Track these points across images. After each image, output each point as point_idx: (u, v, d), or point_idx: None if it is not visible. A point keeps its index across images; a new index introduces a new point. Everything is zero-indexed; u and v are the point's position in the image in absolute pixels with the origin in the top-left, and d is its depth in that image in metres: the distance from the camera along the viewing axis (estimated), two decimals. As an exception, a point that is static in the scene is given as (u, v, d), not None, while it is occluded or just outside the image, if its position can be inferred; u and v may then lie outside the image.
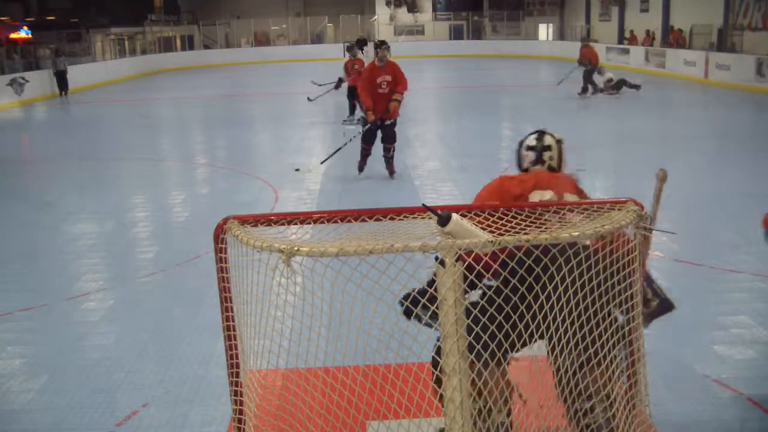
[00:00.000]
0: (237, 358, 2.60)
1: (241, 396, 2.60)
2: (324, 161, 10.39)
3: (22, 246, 7.29)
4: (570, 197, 3.23)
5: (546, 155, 3.42)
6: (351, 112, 14.68)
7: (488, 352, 2.50)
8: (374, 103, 9.18)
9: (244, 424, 2.60)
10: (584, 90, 18.68)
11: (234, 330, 2.58)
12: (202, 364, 4.51)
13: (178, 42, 40.24)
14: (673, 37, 26.63)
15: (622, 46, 29.45)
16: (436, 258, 2.12)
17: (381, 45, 9.43)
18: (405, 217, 2.44)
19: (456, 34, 41.83)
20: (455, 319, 2.10)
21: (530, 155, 3.42)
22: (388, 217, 2.45)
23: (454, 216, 2.12)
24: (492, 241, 2.07)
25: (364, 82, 9.33)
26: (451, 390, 2.12)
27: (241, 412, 2.61)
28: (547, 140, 3.48)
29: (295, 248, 2.11)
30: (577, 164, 10.43)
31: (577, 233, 2.15)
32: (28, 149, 15.19)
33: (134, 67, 31.87)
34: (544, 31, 40.71)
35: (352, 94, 14.30)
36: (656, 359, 4.30)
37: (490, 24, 41.71)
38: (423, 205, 2.26)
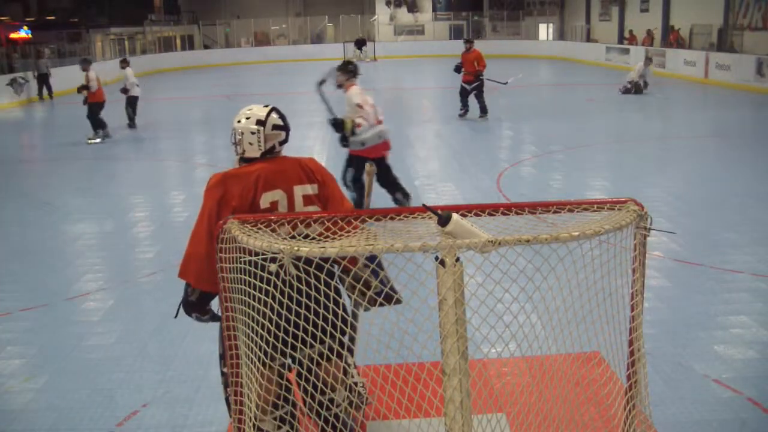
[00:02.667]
0: (237, 358, 2.60)
1: (241, 396, 2.60)
2: None
3: (22, 246, 7.29)
4: (301, 189, 3.03)
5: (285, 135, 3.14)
6: (94, 127, 13.84)
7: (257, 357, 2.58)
8: None
9: (244, 424, 2.60)
10: (485, 111, 14.68)
11: (234, 330, 2.58)
12: (202, 364, 4.51)
13: (178, 42, 40.24)
14: (672, 37, 26.64)
15: (622, 46, 29.45)
16: (436, 258, 2.12)
17: None
18: (405, 217, 2.44)
19: (456, 34, 41.79)
20: (455, 319, 2.10)
21: (282, 134, 3.10)
22: (388, 217, 2.45)
23: (454, 216, 2.11)
24: (492, 241, 2.07)
25: None
26: (451, 390, 2.11)
27: (240, 412, 2.61)
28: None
29: (295, 248, 2.11)
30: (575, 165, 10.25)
31: (577, 233, 2.14)
32: (28, 149, 15.19)
33: (134, 67, 31.72)
34: (544, 31, 40.73)
35: (92, 111, 13.78)
36: (656, 359, 4.31)
37: (490, 24, 41.71)
38: (423, 205, 2.26)
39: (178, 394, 4.18)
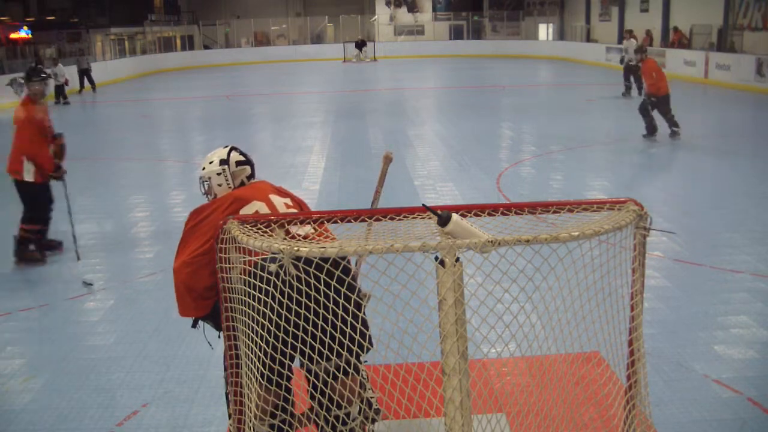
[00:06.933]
0: (237, 358, 2.59)
1: (241, 396, 2.60)
2: None
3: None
4: (279, 199, 3.14)
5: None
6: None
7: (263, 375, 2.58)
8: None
9: (244, 425, 2.60)
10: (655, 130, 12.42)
11: (234, 330, 2.58)
12: (202, 364, 4.51)
13: (178, 42, 40.25)
14: (675, 38, 26.61)
15: (622, 46, 29.42)
16: (436, 258, 2.12)
17: None
18: (405, 217, 2.44)
19: (456, 34, 41.84)
20: (455, 319, 2.09)
21: (247, 169, 3.27)
22: (388, 217, 2.45)
23: (454, 216, 2.11)
24: (492, 241, 2.07)
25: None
26: (451, 390, 2.11)
27: (240, 412, 2.61)
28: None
29: (295, 248, 2.11)
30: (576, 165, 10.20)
31: (577, 233, 2.14)
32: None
33: (134, 67, 31.87)
34: (544, 31, 40.74)
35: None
36: (656, 359, 4.31)
37: (490, 24, 41.73)
38: (423, 205, 2.25)
39: (178, 394, 4.18)
